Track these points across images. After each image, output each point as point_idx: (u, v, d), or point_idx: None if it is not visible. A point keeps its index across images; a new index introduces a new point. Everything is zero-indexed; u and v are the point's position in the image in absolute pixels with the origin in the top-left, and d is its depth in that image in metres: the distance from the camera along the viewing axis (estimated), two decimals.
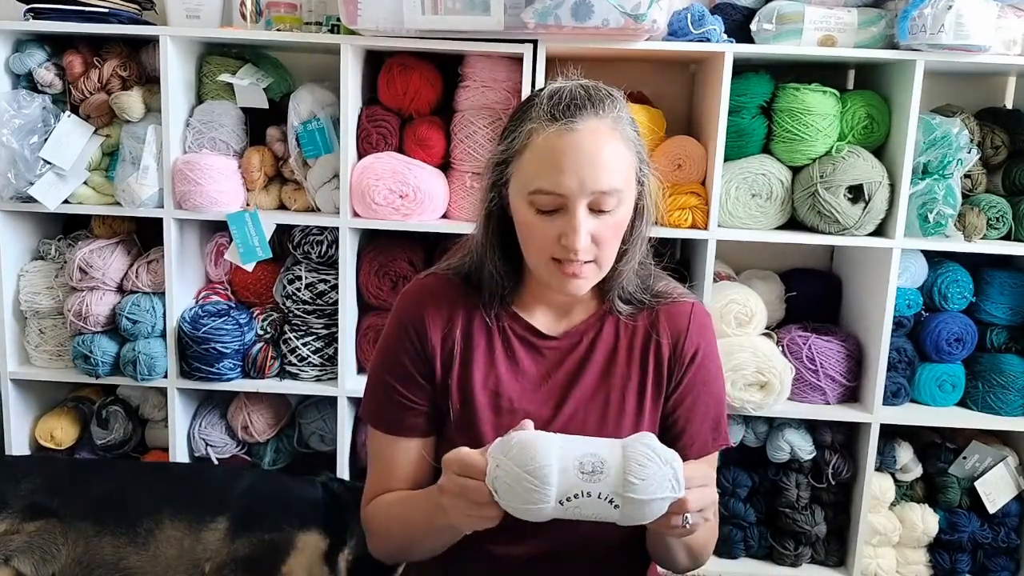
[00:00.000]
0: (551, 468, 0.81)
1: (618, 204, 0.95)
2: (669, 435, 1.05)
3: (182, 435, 2.00)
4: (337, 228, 1.86)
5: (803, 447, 1.91)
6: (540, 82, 1.76)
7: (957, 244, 1.85)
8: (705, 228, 1.82)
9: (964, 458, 1.96)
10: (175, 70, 1.83)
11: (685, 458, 1.01)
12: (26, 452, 2.02)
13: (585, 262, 0.96)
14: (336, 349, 1.94)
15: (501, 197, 1.01)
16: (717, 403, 1.08)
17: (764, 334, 1.91)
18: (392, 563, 1.12)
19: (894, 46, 1.78)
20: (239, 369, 1.94)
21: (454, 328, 1.05)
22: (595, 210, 0.94)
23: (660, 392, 1.06)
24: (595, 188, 0.93)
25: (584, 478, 0.81)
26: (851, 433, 1.96)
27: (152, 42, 1.86)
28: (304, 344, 1.94)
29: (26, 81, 1.90)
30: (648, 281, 1.09)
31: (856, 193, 1.80)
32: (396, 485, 1.06)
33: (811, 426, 1.95)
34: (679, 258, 2.05)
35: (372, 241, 1.99)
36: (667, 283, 1.11)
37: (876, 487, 1.93)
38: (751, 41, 1.81)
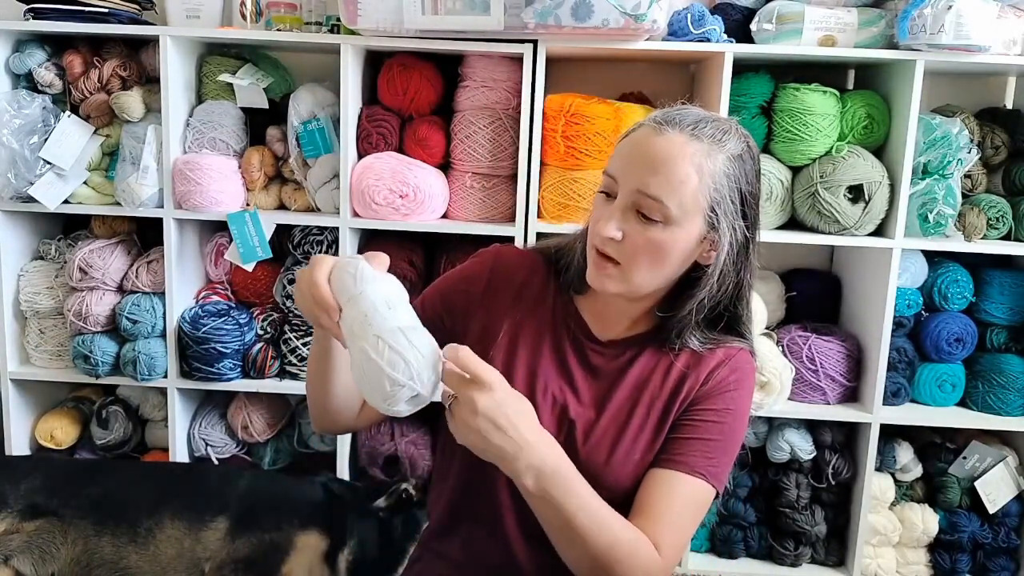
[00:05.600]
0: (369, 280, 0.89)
1: (665, 221, 0.93)
2: (663, 442, 1.02)
3: (182, 435, 2.00)
4: (337, 228, 1.86)
5: (803, 447, 1.91)
6: (540, 82, 1.75)
7: (957, 244, 1.85)
8: None
9: (964, 458, 1.96)
10: (175, 70, 1.83)
11: (656, 464, 0.99)
12: (26, 452, 2.02)
13: (608, 258, 0.97)
14: None
15: None
16: (722, 440, 1.02)
17: (764, 334, 1.91)
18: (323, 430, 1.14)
19: (894, 46, 1.78)
20: (239, 369, 1.94)
21: (519, 300, 1.08)
22: (638, 212, 0.94)
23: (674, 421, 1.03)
24: (639, 187, 0.93)
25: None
26: (851, 433, 1.96)
27: (152, 42, 1.86)
28: (304, 344, 1.94)
29: (26, 81, 1.90)
30: (713, 329, 1.04)
31: (856, 193, 1.80)
32: None
33: (811, 426, 1.95)
34: None
35: (372, 241, 1.99)
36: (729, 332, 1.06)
37: (876, 487, 1.93)
38: (751, 41, 1.81)
